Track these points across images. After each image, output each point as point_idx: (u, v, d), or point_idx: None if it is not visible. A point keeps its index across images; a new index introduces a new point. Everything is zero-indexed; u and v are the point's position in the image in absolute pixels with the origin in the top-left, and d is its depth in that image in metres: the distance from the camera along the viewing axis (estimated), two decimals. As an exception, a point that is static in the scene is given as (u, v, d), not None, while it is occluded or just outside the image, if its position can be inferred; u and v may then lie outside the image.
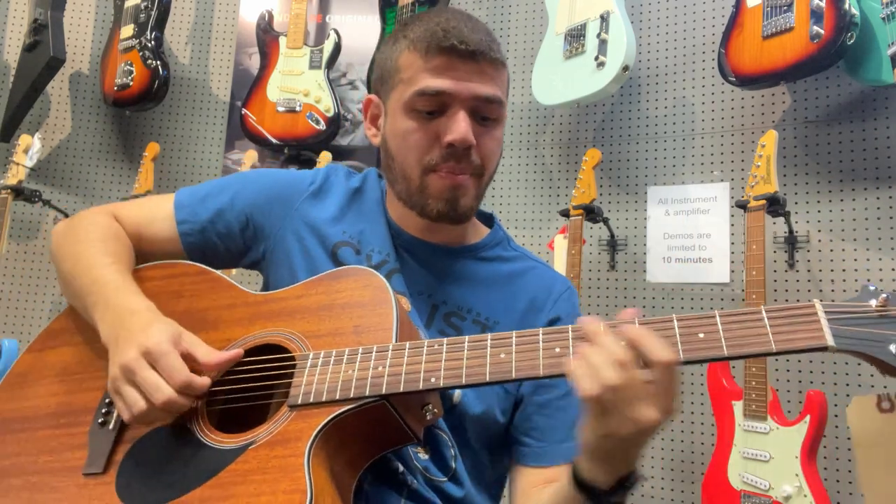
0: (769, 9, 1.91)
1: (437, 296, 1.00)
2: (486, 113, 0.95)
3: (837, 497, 1.85)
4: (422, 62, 0.93)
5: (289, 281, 0.96)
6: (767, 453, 1.71)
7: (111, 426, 0.87)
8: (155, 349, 0.81)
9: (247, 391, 0.86)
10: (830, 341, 0.67)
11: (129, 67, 2.57)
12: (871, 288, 0.70)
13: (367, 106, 1.04)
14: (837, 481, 1.87)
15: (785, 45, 1.86)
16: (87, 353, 0.97)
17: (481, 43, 0.92)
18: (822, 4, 1.79)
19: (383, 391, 0.78)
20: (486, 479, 1.00)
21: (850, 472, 1.86)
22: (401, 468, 0.88)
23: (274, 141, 2.52)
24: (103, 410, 0.90)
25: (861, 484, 1.67)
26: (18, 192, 2.42)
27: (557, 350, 0.76)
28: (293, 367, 0.84)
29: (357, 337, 0.85)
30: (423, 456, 0.91)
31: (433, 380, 0.77)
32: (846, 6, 1.74)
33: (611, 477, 0.76)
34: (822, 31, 1.78)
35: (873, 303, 0.69)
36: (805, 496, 1.64)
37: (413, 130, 0.94)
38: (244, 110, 2.57)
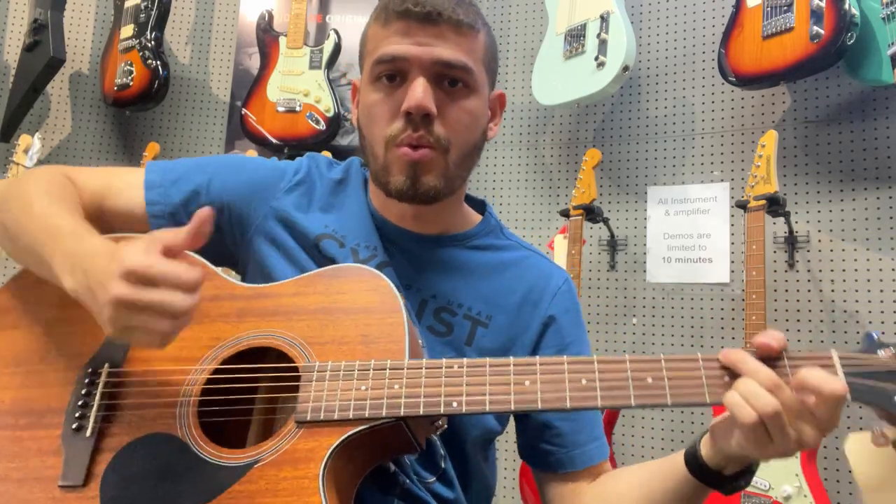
0: (769, 9, 1.91)
1: (425, 290, 0.95)
2: (452, 76, 0.88)
3: (837, 497, 1.85)
4: (382, 31, 0.89)
5: (264, 277, 0.90)
6: (767, 453, 1.71)
7: (88, 433, 0.79)
8: (136, 266, 0.70)
9: (245, 402, 0.79)
10: (847, 395, 0.68)
11: (129, 67, 2.57)
12: (874, 336, 0.71)
13: (353, 92, 1.00)
14: (838, 481, 1.87)
15: (785, 45, 1.86)
16: (41, 339, 0.86)
17: (441, 5, 0.86)
18: (822, 4, 1.79)
19: (401, 413, 0.74)
20: (477, 484, 0.97)
21: (849, 472, 1.86)
22: (392, 467, 0.86)
23: (274, 141, 2.52)
24: (76, 414, 0.80)
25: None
26: (18, 192, 2.42)
27: (584, 382, 0.73)
28: (297, 377, 0.78)
29: (366, 348, 0.79)
30: (413, 455, 0.88)
31: (455, 405, 0.74)
32: (846, 6, 1.74)
33: (739, 466, 0.76)
34: (822, 31, 1.78)
35: (881, 353, 0.70)
36: (805, 496, 1.64)
37: (376, 102, 0.89)
38: (244, 110, 2.57)
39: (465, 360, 0.76)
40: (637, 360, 0.74)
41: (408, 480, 0.87)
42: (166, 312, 0.70)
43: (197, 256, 0.91)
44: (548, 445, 0.94)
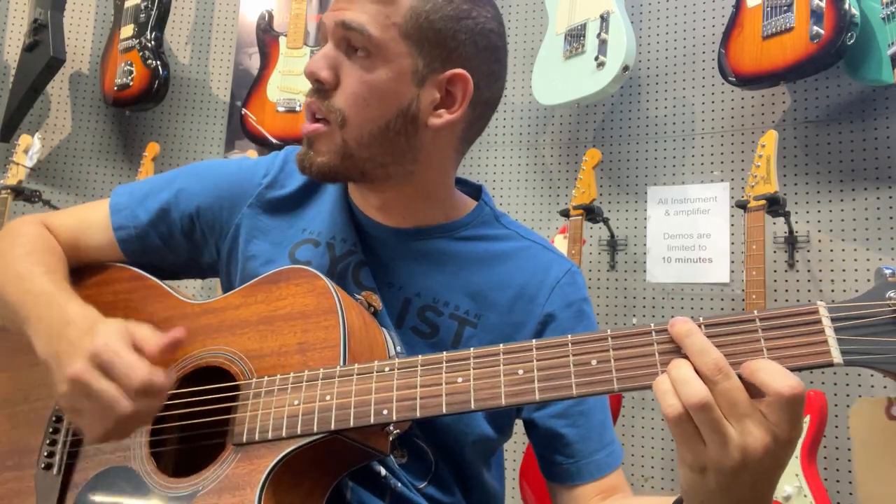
0: (769, 9, 1.91)
1: (408, 288, 0.88)
2: (349, 39, 0.80)
3: (837, 497, 1.85)
4: None
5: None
6: (767, 453, 1.71)
7: (55, 470, 0.80)
8: (103, 350, 0.69)
9: (193, 427, 0.76)
10: (837, 357, 0.56)
11: (129, 67, 2.57)
12: (887, 272, 0.58)
13: None
14: (837, 481, 1.87)
15: (785, 45, 1.86)
16: (24, 378, 0.88)
17: None
18: (822, 4, 1.79)
19: (332, 427, 0.69)
20: (479, 491, 0.93)
21: (850, 472, 1.86)
22: (383, 472, 0.82)
23: (274, 141, 2.52)
24: (45, 453, 0.82)
25: (859, 491, 1.58)
26: (18, 192, 2.42)
27: (520, 373, 0.65)
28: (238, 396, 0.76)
29: (302, 357, 0.74)
30: (401, 460, 0.84)
31: (385, 412, 0.68)
32: (846, 6, 1.74)
33: None
34: (822, 31, 1.78)
35: (891, 295, 0.56)
36: (805, 496, 1.64)
37: None
38: (244, 110, 2.57)
39: (396, 361, 0.70)
40: (580, 341, 0.64)
41: (399, 484, 0.83)
42: (107, 409, 0.68)
43: (150, 276, 0.90)
44: (557, 456, 0.88)
